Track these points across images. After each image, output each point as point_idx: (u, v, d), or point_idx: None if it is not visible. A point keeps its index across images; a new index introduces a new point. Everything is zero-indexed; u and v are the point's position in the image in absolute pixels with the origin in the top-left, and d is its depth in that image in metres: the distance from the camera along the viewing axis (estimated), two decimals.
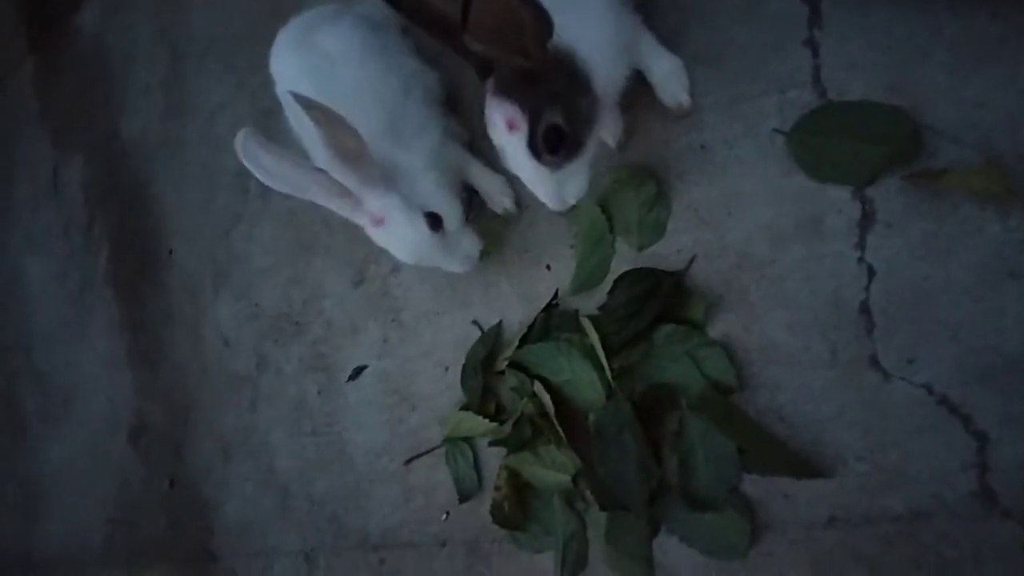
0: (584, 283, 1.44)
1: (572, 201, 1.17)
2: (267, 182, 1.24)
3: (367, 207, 1.30)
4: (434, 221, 1.32)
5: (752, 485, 1.25)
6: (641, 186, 1.37)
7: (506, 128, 1.06)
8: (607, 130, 1.36)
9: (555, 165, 1.10)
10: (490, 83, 1.07)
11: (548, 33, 0.95)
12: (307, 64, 1.43)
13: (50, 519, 2.75)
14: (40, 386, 2.80)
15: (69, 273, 2.70)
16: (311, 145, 1.23)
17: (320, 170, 1.25)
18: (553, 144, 1.06)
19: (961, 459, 1.10)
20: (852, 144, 1.18)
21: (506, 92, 1.04)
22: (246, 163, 1.21)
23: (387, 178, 1.29)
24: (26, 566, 2.83)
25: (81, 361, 2.62)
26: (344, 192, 1.27)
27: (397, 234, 1.31)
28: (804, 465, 1.20)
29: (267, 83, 1.55)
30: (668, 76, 1.32)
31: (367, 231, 1.34)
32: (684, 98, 1.33)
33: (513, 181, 1.52)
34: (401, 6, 1.05)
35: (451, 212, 1.35)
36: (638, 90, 1.34)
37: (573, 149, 1.09)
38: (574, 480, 1.39)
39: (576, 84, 1.07)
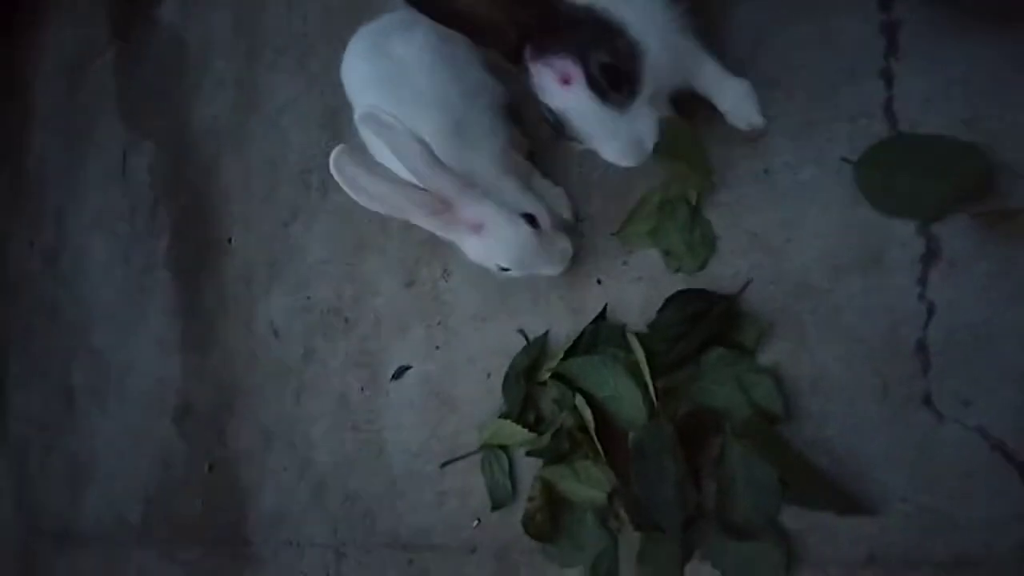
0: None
1: (650, 146, 1.10)
2: (362, 202, 1.23)
3: (463, 215, 1.28)
4: (532, 220, 1.30)
5: (791, 517, 1.22)
6: (674, 212, 1.38)
7: (560, 84, 1.03)
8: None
9: (622, 104, 1.06)
10: (527, 54, 1.06)
11: None
12: (379, 72, 1.44)
13: (90, 494, 2.81)
14: (93, 363, 2.88)
15: (131, 255, 2.77)
16: (392, 161, 1.24)
17: (418, 187, 1.24)
18: (612, 80, 1.03)
19: (1013, 509, 1.06)
20: (921, 178, 1.16)
21: (546, 50, 1.03)
22: (342, 183, 1.20)
23: (475, 185, 1.29)
24: (63, 538, 2.91)
25: (135, 341, 2.69)
26: (440, 207, 1.26)
27: (499, 237, 1.28)
28: (847, 501, 1.17)
29: (337, 84, 1.58)
30: (739, 99, 1.30)
31: (463, 247, 1.32)
32: (757, 119, 1.30)
33: (570, 193, 1.53)
34: (423, 4, 1.05)
35: (541, 211, 1.34)
36: (701, 113, 1.33)
37: (633, 83, 1.05)
38: (609, 498, 1.38)
39: (608, 29, 1.04)
